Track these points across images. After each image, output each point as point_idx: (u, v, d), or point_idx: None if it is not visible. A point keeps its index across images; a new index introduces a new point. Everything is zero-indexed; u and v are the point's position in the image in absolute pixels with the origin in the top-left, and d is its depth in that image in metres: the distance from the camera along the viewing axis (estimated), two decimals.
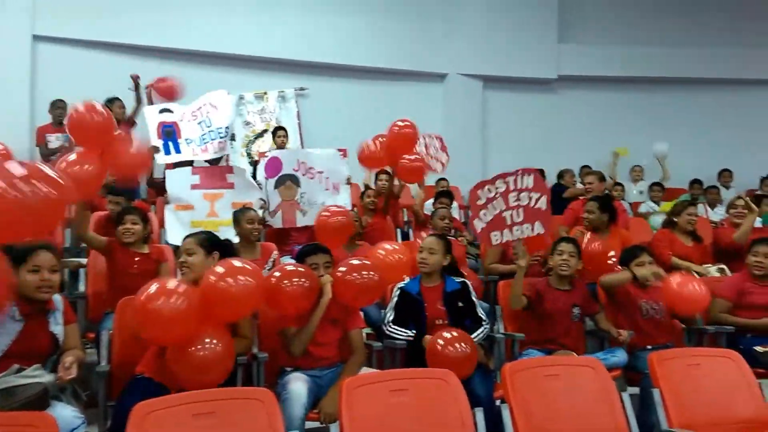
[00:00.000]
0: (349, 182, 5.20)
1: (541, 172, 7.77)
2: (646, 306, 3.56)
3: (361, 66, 8.01)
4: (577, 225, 4.73)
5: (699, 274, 4.43)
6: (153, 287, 2.31)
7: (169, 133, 4.77)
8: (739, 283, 3.77)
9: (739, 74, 8.91)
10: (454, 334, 2.85)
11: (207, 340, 2.35)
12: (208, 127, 4.78)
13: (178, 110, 4.91)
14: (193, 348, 2.33)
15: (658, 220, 5.80)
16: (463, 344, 2.80)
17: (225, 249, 2.87)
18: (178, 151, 4.76)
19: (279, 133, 6.60)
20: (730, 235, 4.78)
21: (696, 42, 8.79)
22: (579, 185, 6.91)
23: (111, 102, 5.70)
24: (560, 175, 7.07)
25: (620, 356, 3.30)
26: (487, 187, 3.45)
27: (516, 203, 3.43)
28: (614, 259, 4.17)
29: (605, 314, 3.61)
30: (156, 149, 4.69)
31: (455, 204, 5.99)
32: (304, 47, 7.75)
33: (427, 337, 2.99)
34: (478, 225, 3.45)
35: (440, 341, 2.81)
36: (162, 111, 4.84)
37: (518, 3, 8.48)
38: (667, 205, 6.57)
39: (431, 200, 5.83)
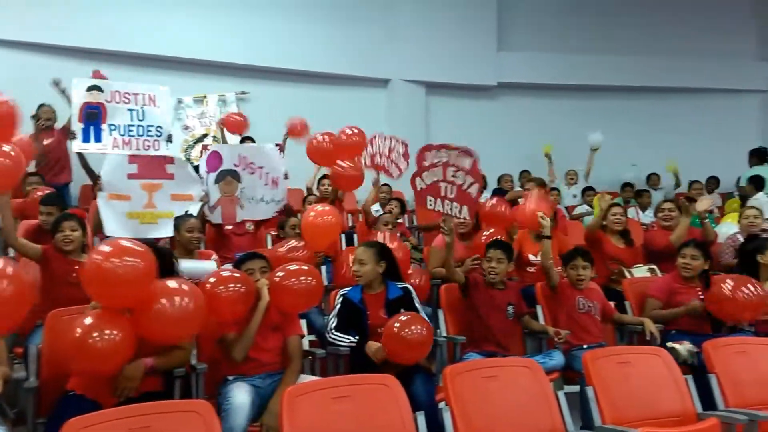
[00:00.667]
0: (286, 177, 5.17)
1: (483, 178, 7.94)
2: (583, 301, 3.72)
3: (304, 70, 7.99)
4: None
5: (630, 274, 4.65)
6: (87, 320, 2.28)
7: (93, 115, 4.21)
8: (668, 284, 3.96)
9: (670, 83, 9.39)
10: (410, 316, 2.89)
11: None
12: (140, 120, 4.30)
13: (108, 88, 4.29)
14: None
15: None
16: (419, 327, 2.85)
17: (162, 258, 2.79)
18: (98, 139, 4.23)
19: (246, 142, 6.51)
20: (660, 237, 5.01)
21: (629, 51, 9.21)
22: (517, 188, 7.13)
23: (39, 108, 5.47)
24: (499, 179, 7.19)
25: (557, 359, 3.41)
26: (434, 151, 3.61)
27: (452, 179, 3.56)
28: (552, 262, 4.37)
29: (545, 312, 3.76)
30: (73, 135, 4.21)
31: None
32: (245, 51, 7.66)
33: (371, 343, 3.01)
34: (419, 184, 3.60)
35: (396, 324, 2.84)
36: (90, 88, 4.23)
37: (459, 12, 8.66)
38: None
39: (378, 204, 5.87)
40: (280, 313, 2.95)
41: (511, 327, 3.63)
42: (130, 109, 4.31)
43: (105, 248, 2.33)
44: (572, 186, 8.03)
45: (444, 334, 3.53)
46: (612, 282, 4.66)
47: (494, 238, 4.05)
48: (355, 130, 4.91)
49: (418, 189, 3.58)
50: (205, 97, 7.59)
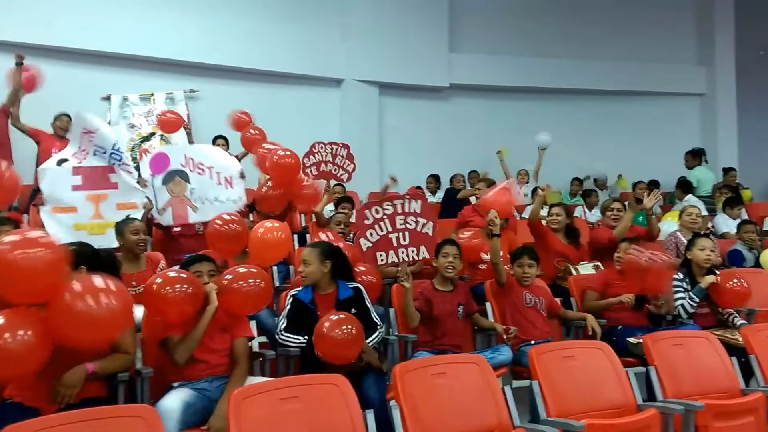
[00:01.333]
0: (243, 176, 5.08)
1: (436, 177, 8.07)
2: (529, 296, 3.82)
3: (256, 69, 7.88)
4: (465, 228, 4.93)
5: (576, 271, 4.79)
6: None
7: None
8: (605, 277, 4.17)
9: (616, 86, 9.69)
10: (341, 316, 2.87)
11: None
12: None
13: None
14: None
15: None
16: (348, 326, 2.81)
17: (98, 261, 2.71)
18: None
19: (219, 141, 6.35)
20: (605, 234, 5.19)
21: (577, 55, 9.46)
22: (468, 188, 7.27)
23: None
24: (451, 179, 7.29)
25: (505, 354, 3.48)
26: (374, 208, 3.54)
27: (403, 226, 3.55)
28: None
29: (494, 308, 3.84)
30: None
31: None
32: (195, 48, 7.50)
33: None
34: (364, 244, 3.53)
35: (326, 324, 2.82)
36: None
37: (411, 13, 8.72)
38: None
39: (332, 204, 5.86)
40: (229, 315, 2.91)
41: (461, 326, 3.68)
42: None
43: (9, 238, 2.13)
44: (524, 185, 8.17)
45: (396, 332, 3.54)
46: (559, 279, 4.79)
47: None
48: (288, 152, 4.68)
49: (365, 249, 3.51)
50: (152, 94, 7.39)
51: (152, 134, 7.19)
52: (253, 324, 3.19)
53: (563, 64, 9.37)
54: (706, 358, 3.10)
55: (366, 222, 3.51)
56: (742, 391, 3.03)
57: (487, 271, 4.41)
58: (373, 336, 3.16)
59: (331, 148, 6.18)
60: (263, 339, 3.50)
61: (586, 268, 4.83)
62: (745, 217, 6.81)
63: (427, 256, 3.61)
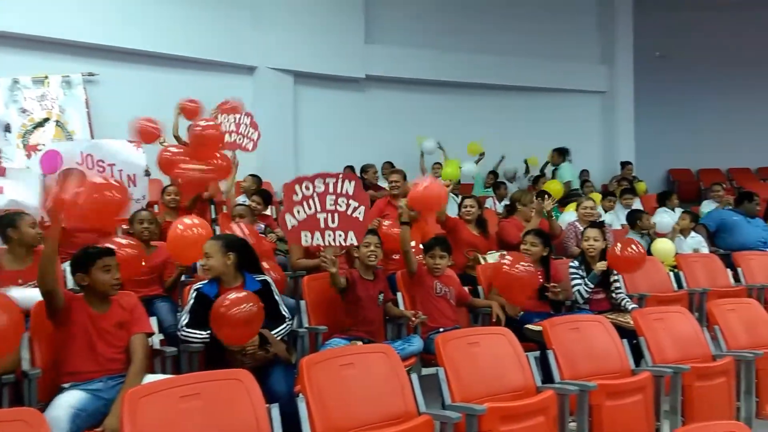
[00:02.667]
0: (147, 174, 4.85)
1: (351, 168, 8.05)
2: (440, 286, 3.90)
3: (161, 53, 7.51)
4: (382, 219, 4.94)
5: (484, 260, 4.94)
6: None
7: None
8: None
9: (524, 81, 10.06)
10: (239, 295, 2.78)
11: None
12: None
13: None
14: None
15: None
16: (248, 305, 2.73)
17: None
18: None
19: None
20: (513, 230, 5.37)
21: (492, 50, 9.70)
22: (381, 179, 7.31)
23: None
24: (363, 169, 7.25)
25: (416, 344, 3.53)
26: (305, 184, 3.34)
27: (333, 207, 3.36)
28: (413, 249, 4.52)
29: (405, 298, 3.91)
30: None
31: None
32: (93, 28, 7.02)
33: None
34: (290, 221, 3.35)
35: (225, 302, 2.73)
36: None
37: (326, 2, 8.65)
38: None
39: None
40: (127, 310, 2.77)
41: (380, 314, 3.71)
42: None
43: None
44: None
45: (306, 324, 3.50)
46: (468, 268, 4.92)
47: None
48: (210, 122, 4.60)
49: (290, 227, 3.31)
50: (46, 77, 6.88)
51: (46, 120, 6.70)
52: (153, 321, 3.05)
53: (476, 59, 9.61)
54: (600, 341, 3.27)
55: (294, 198, 3.31)
56: (632, 371, 3.22)
57: (401, 261, 4.46)
58: (281, 328, 3.10)
59: (234, 117, 5.93)
60: (161, 336, 3.35)
61: (494, 258, 5.00)
62: (639, 207, 7.28)
63: (356, 243, 3.44)
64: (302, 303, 3.57)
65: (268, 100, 8.20)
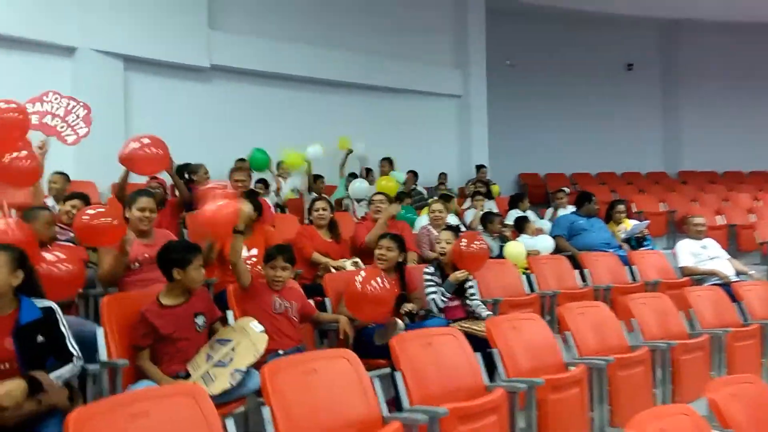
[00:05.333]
0: None
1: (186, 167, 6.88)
2: (279, 301, 3.37)
3: None
4: None
5: (336, 268, 4.52)
6: None
7: None
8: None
9: (381, 82, 9.82)
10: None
11: None
12: None
13: None
14: None
15: None
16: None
17: None
18: None
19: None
20: (364, 233, 5.02)
21: (348, 47, 9.36)
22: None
23: None
24: (192, 170, 6.13)
25: (255, 378, 2.94)
26: None
27: None
28: (255, 258, 3.97)
29: (236, 315, 3.32)
30: None
31: None
32: None
33: None
34: None
35: None
36: None
37: None
38: None
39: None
40: None
41: (205, 340, 3.06)
42: None
43: None
44: (288, 179, 7.76)
45: (104, 358, 2.79)
46: (318, 278, 4.48)
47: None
48: (12, 104, 3.68)
49: None
50: None
51: None
52: None
53: (331, 56, 9.21)
54: (452, 357, 2.98)
55: None
56: (486, 387, 2.96)
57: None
58: (64, 369, 2.38)
59: (68, 103, 5.00)
60: None
61: (346, 265, 4.59)
62: (495, 209, 7.30)
63: None
64: (100, 330, 2.84)
65: (92, 88, 7.03)
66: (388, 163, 8.58)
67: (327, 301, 3.84)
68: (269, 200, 6.63)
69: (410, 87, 10.17)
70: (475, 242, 4.04)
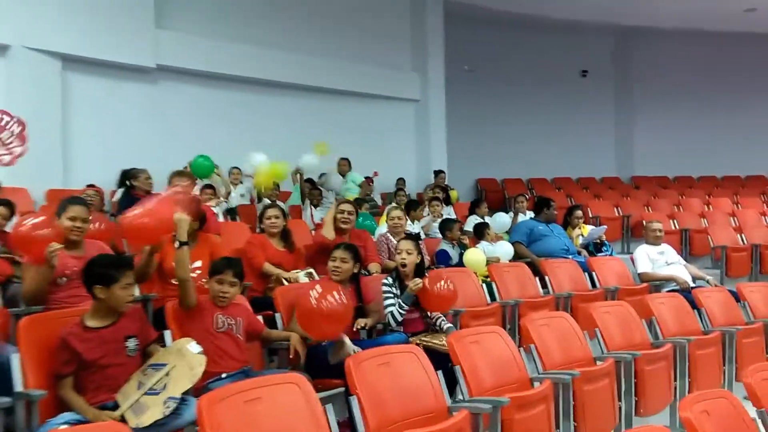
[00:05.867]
0: None
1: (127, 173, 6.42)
2: (222, 318, 3.09)
3: None
4: None
5: (287, 280, 4.26)
6: None
7: None
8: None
9: (337, 85, 9.56)
10: None
11: None
12: None
13: None
14: None
15: None
16: None
17: None
18: None
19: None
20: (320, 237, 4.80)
21: (302, 50, 9.08)
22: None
23: None
24: (132, 175, 5.77)
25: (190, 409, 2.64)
26: None
27: None
28: (199, 271, 3.68)
29: (175, 336, 3.02)
30: None
31: None
32: None
33: None
34: None
35: None
36: None
37: None
38: None
39: None
40: None
41: (137, 366, 2.75)
42: None
43: None
44: (238, 186, 7.42)
45: (19, 388, 2.46)
46: (269, 290, 4.21)
47: None
48: None
49: None
50: None
51: None
52: None
53: (285, 58, 8.92)
54: (412, 378, 2.76)
55: None
56: (449, 409, 2.76)
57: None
58: None
59: (0, 118, 4.68)
60: None
61: (299, 276, 4.34)
62: (453, 215, 7.15)
63: None
64: (15, 357, 2.51)
65: (27, 89, 6.63)
66: (347, 163, 8.35)
67: (278, 316, 3.57)
68: (219, 208, 6.32)
69: (368, 91, 9.97)
70: (441, 282, 3.74)
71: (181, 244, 3.11)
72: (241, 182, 7.33)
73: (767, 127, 13.12)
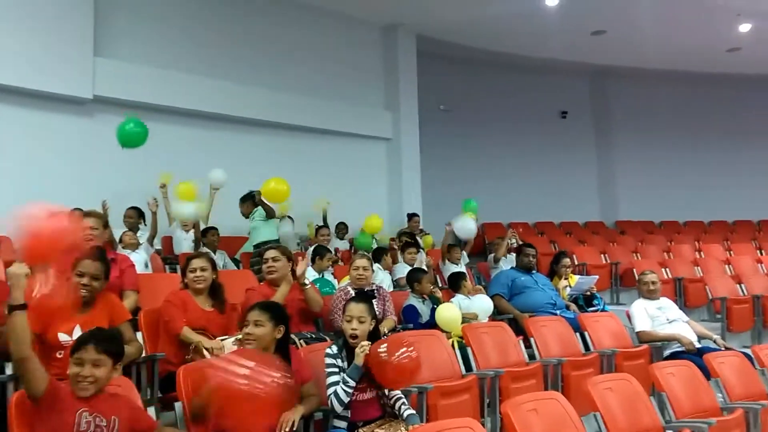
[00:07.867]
0: None
1: (79, 210, 5.62)
2: (88, 417, 2.25)
3: None
4: None
5: (209, 350, 3.40)
6: None
7: None
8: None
9: (306, 122, 8.91)
10: None
11: None
12: None
13: None
14: None
15: None
16: None
17: None
18: None
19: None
20: (260, 294, 3.98)
21: (267, 85, 8.49)
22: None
23: None
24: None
25: None
26: None
27: None
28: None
29: None
30: None
31: None
32: None
33: None
34: None
35: None
36: None
37: None
38: None
39: None
40: None
41: None
42: None
43: None
44: (188, 231, 6.47)
45: None
46: (188, 362, 3.34)
47: None
48: None
49: None
50: None
51: None
52: None
53: (245, 92, 8.27)
54: None
55: None
56: None
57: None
58: None
59: None
60: None
61: (226, 344, 3.48)
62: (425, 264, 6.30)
63: None
64: None
65: None
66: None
67: (178, 405, 2.70)
68: (144, 252, 5.44)
69: (336, 128, 9.33)
70: (402, 349, 2.92)
71: (13, 308, 2.25)
72: (192, 228, 6.34)
73: (755, 170, 12.75)
